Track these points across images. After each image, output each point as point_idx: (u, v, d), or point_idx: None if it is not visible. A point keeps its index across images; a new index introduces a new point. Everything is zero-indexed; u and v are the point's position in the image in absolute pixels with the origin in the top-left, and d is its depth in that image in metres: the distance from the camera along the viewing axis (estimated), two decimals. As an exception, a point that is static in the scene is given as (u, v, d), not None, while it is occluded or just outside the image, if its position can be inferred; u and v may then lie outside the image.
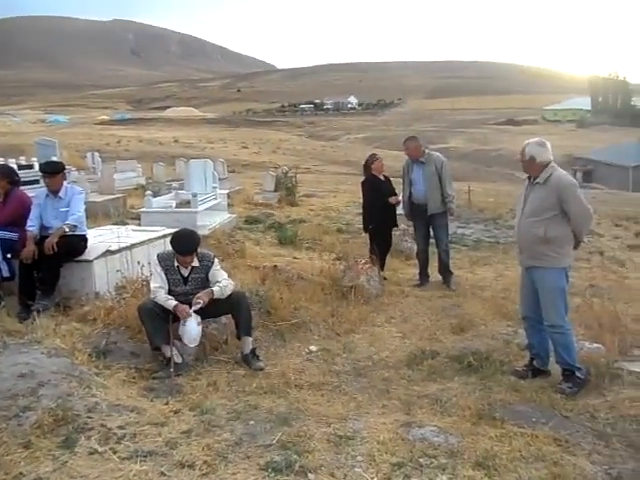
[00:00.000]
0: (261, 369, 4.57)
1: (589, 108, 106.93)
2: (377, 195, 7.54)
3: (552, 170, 4.37)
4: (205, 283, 4.77)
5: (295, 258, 8.77)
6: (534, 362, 4.68)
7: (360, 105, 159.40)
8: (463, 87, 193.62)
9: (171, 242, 4.70)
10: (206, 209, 9.88)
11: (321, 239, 10.22)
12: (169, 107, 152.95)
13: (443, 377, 4.56)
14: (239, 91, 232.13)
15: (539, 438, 3.59)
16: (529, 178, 4.50)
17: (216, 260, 4.87)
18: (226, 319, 4.96)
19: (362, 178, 8.02)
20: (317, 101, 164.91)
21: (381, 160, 7.75)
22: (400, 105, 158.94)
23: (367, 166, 7.75)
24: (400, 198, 7.63)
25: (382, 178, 7.75)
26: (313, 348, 5.06)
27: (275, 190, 15.59)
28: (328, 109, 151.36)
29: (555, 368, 4.61)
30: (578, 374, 4.40)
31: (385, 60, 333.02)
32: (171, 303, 4.51)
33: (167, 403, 3.92)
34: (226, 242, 8.70)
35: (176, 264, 4.71)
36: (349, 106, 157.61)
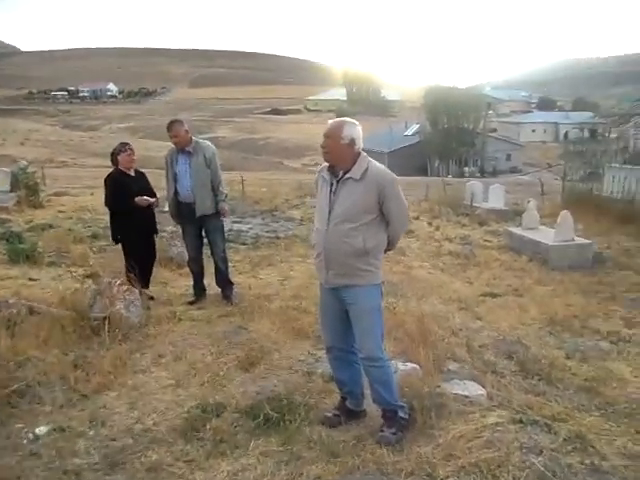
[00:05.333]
0: (-55, 491, 2.84)
1: (345, 99, 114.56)
2: (124, 195, 5.94)
3: (367, 162, 3.34)
4: None
5: (31, 280, 6.76)
6: (346, 402, 3.67)
7: (121, 93, 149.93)
8: (227, 77, 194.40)
9: None
10: None
11: (69, 250, 8.22)
12: None
13: (234, 446, 3.29)
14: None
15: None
16: (333, 172, 3.43)
17: None
18: None
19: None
20: (72, 88, 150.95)
21: (131, 153, 6.09)
22: (164, 94, 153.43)
23: (113, 158, 6.08)
24: (152, 199, 6.15)
25: (132, 174, 6.16)
26: (41, 430, 3.39)
27: (12, 190, 12.77)
28: (85, 97, 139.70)
29: (370, 404, 3.68)
30: (401, 414, 3.49)
31: (145, 46, 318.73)
32: None
33: None
34: None
35: None
36: (109, 94, 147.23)
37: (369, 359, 3.41)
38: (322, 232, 3.38)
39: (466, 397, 3.87)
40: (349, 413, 3.65)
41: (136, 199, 5.91)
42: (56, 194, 15.73)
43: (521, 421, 3.56)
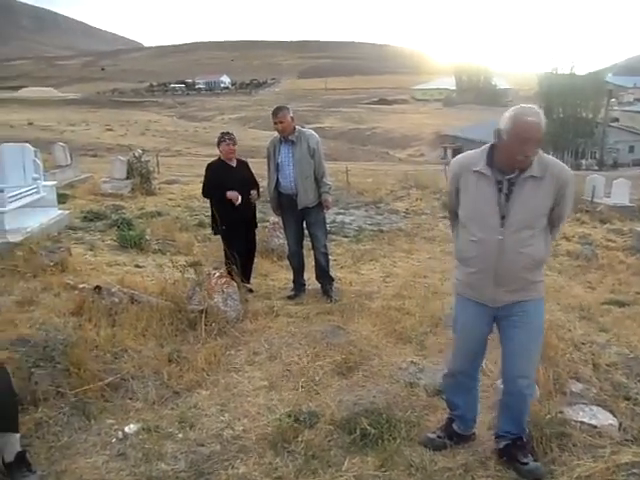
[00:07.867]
0: (31, 489, 2.77)
1: (454, 88, 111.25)
2: (221, 185, 5.83)
3: (543, 156, 2.80)
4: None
5: (137, 267, 6.88)
6: (453, 425, 3.27)
7: (233, 85, 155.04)
8: (335, 67, 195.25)
9: None
10: (21, 207, 7.66)
11: (175, 238, 8.34)
12: (23, 87, 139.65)
13: (327, 464, 3.02)
14: (103, 69, 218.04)
15: None
16: (499, 168, 2.80)
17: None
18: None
19: None
20: (189, 80, 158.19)
21: (230, 143, 5.95)
22: (274, 85, 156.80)
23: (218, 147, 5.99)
24: (253, 192, 5.99)
25: (233, 164, 6.03)
26: (131, 429, 3.29)
27: (127, 177, 13.30)
28: (200, 89, 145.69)
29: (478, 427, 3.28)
30: (524, 437, 3.07)
31: (255, 39, 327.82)
32: None
33: None
34: (43, 251, 6.61)
35: None
36: (222, 85, 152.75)
37: (527, 387, 2.95)
38: (490, 243, 2.79)
39: (594, 427, 3.35)
40: (455, 436, 3.25)
41: (227, 193, 5.80)
42: (167, 182, 16.27)
43: (663, 463, 3.00)
